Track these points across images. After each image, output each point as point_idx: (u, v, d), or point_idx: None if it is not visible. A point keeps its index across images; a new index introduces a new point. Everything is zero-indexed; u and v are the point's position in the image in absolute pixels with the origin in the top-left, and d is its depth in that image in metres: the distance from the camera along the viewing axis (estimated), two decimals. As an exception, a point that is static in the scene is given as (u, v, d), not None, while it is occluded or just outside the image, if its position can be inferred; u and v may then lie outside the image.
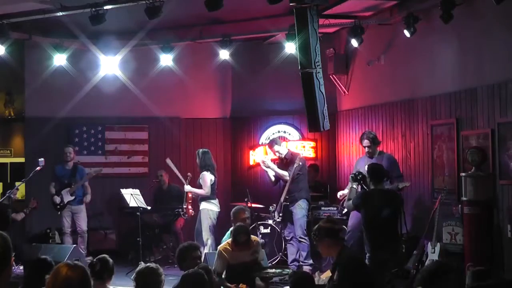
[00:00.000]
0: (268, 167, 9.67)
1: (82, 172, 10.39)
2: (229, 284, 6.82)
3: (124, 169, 11.36)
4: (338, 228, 5.54)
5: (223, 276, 6.95)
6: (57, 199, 10.16)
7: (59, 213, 10.16)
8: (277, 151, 9.64)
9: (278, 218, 9.48)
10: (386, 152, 9.28)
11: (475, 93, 7.87)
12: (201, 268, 5.33)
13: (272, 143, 9.83)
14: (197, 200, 9.60)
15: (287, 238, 9.49)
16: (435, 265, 3.91)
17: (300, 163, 9.31)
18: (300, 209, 9.30)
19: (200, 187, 9.49)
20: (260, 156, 10.43)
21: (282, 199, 9.36)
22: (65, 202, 10.15)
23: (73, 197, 10.17)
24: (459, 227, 7.77)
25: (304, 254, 9.27)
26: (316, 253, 9.12)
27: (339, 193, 9.35)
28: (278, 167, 9.63)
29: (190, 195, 9.60)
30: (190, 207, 9.63)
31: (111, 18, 7.99)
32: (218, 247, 7.19)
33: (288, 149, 9.87)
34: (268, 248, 9.55)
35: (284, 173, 9.49)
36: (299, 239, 9.27)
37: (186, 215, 9.74)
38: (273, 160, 11.47)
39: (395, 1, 9.06)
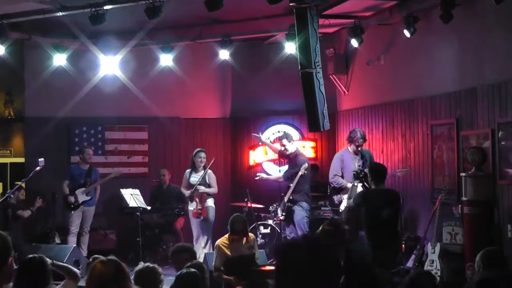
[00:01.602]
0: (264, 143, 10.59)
1: (97, 173, 10.48)
2: (226, 276, 6.86)
3: (124, 169, 11.35)
4: (342, 230, 5.50)
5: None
6: (72, 199, 10.18)
7: (72, 212, 10.16)
8: (284, 145, 9.63)
9: (281, 216, 9.48)
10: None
11: (475, 93, 7.88)
12: (195, 266, 5.31)
13: (283, 136, 9.82)
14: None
15: (288, 237, 9.48)
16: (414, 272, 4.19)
17: (305, 171, 9.28)
18: (300, 210, 9.31)
19: (205, 185, 9.57)
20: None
21: (286, 199, 9.37)
22: (80, 202, 10.18)
23: (89, 197, 10.24)
24: (459, 227, 7.77)
25: None
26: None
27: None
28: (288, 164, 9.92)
29: (205, 195, 9.61)
30: (204, 207, 9.62)
31: (111, 18, 7.99)
32: (216, 242, 7.21)
33: (296, 149, 9.81)
34: (268, 248, 9.54)
35: (278, 176, 10.11)
36: None
37: (202, 216, 9.57)
38: (272, 160, 11.54)
39: (395, 1, 9.05)
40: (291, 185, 9.31)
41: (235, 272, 6.84)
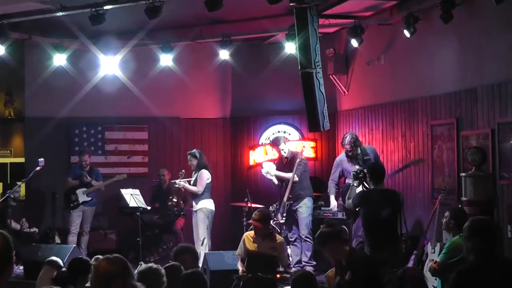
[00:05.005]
0: (273, 176, 9.69)
1: (98, 174, 10.46)
2: (240, 267, 7.15)
3: (124, 169, 11.33)
4: (338, 230, 5.50)
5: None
6: (72, 197, 10.17)
7: (72, 212, 10.16)
8: (282, 149, 9.62)
9: (281, 220, 9.36)
10: (366, 144, 9.68)
11: (475, 93, 7.88)
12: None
13: (276, 142, 9.77)
14: (190, 197, 9.80)
15: (290, 239, 9.43)
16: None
17: (303, 163, 9.36)
18: (305, 207, 9.31)
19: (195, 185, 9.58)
20: (263, 167, 10.15)
21: (285, 199, 9.33)
22: (80, 202, 10.17)
23: (89, 198, 10.23)
24: (459, 227, 7.76)
25: (308, 254, 9.28)
26: (317, 254, 9.21)
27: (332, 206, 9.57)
28: (277, 168, 9.69)
29: (183, 190, 9.69)
30: (181, 201, 10.02)
31: (111, 18, 7.99)
32: (244, 234, 7.50)
33: (289, 149, 9.87)
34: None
35: (288, 175, 9.43)
36: (305, 238, 9.27)
37: (176, 207, 10.12)
38: (272, 160, 11.50)
39: (395, 1, 9.06)
40: (289, 183, 9.29)
41: (253, 269, 6.92)
